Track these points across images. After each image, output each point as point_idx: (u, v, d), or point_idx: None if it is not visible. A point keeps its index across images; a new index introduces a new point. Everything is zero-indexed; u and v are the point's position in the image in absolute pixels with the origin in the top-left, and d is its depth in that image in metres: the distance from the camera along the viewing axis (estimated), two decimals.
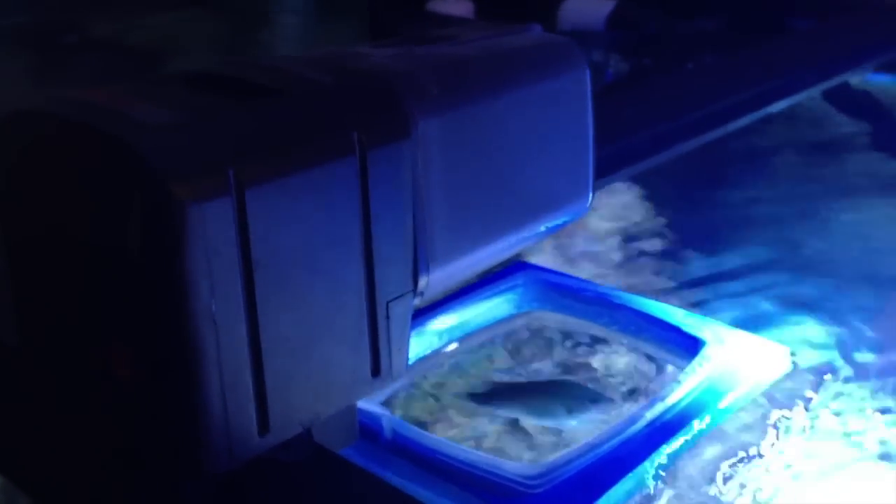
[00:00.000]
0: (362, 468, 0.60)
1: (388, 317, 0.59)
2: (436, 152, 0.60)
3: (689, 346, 0.89)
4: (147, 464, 0.53)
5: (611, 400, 0.87)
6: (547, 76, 0.67)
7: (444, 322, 0.93)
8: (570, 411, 0.86)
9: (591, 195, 0.73)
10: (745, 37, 1.90)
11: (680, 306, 1.02)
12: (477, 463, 0.75)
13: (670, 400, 0.79)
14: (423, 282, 0.61)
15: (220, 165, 0.50)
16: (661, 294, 1.07)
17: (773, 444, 0.82)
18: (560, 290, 0.99)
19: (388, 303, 0.59)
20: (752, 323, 1.01)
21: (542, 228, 0.70)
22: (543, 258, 1.11)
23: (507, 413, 0.86)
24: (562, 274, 1.04)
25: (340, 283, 0.57)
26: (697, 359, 0.85)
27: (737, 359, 0.86)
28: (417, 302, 0.62)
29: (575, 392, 0.88)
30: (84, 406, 0.56)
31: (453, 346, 0.92)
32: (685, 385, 0.82)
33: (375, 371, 0.60)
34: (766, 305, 1.06)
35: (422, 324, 0.91)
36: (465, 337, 0.94)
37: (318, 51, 0.64)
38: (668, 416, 0.78)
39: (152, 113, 0.51)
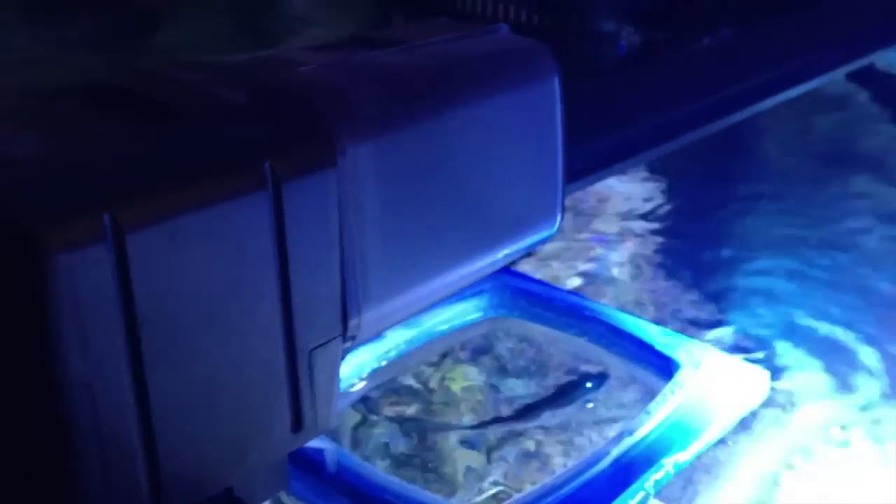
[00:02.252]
0: None
1: (310, 366, 0.52)
2: (369, 181, 0.52)
3: (663, 367, 0.81)
4: None
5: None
6: (509, 87, 0.59)
7: (400, 328, 0.87)
8: None
9: (559, 216, 0.66)
10: (766, 9, 1.80)
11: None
12: None
13: (639, 434, 0.71)
14: (353, 324, 0.54)
15: (93, 206, 0.43)
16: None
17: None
18: (529, 297, 0.90)
19: (311, 351, 0.52)
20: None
21: (501, 256, 0.63)
22: None
23: None
24: (533, 279, 0.96)
25: (253, 334, 0.49)
26: (669, 385, 0.77)
27: (713, 385, 0.77)
28: (349, 345, 0.56)
29: None
30: None
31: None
32: (655, 417, 0.73)
33: (297, 426, 0.53)
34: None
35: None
36: (423, 345, 0.88)
37: (244, 56, 0.57)
38: (636, 452, 0.70)
39: (19, 141, 0.44)
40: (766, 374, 0.81)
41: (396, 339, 0.84)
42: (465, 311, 0.88)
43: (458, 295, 0.89)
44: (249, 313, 0.49)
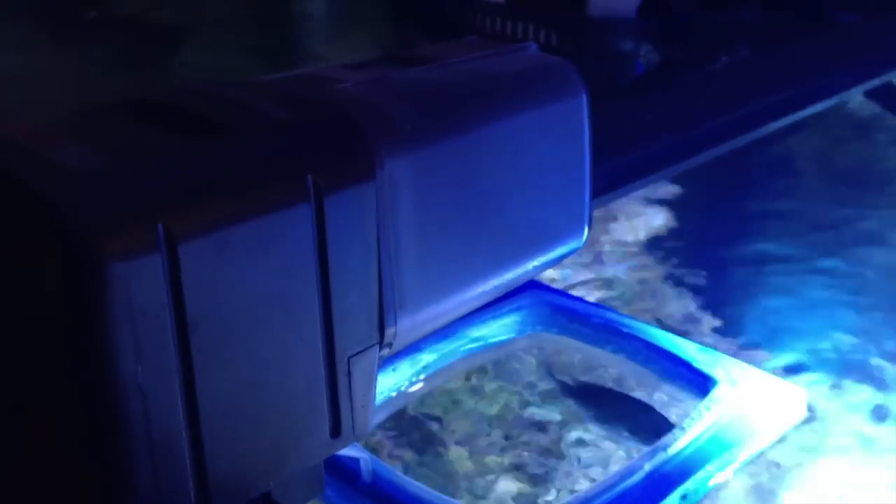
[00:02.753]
0: None
1: (349, 373, 0.54)
2: (406, 193, 0.55)
3: (699, 384, 0.83)
4: None
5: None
6: (538, 104, 0.61)
7: (440, 342, 0.89)
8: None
9: (586, 229, 0.68)
10: (783, 28, 1.82)
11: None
12: None
13: (672, 450, 0.73)
14: (390, 332, 0.56)
15: (148, 217, 0.45)
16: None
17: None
18: (567, 314, 0.92)
19: (349, 358, 0.54)
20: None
21: (532, 267, 0.65)
22: None
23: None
24: (570, 296, 0.98)
25: (294, 341, 0.51)
26: (705, 402, 0.78)
27: (749, 403, 0.79)
28: (385, 353, 0.57)
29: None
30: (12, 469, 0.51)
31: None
32: (690, 433, 0.75)
33: (335, 432, 0.55)
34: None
35: (417, 345, 0.87)
36: (462, 359, 0.90)
37: (283, 74, 0.59)
38: (669, 467, 0.72)
39: (76, 154, 0.46)
40: (804, 392, 0.83)
41: (436, 353, 0.86)
42: (504, 328, 0.91)
43: (497, 311, 0.91)
44: (292, 320, 0.51)
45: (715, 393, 0.80)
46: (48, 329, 0.45)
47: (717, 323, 1.01)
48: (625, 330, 0.90)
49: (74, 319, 0.44)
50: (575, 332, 0.92)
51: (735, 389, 0.80)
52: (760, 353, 0.96)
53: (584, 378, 0.90)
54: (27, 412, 0.47)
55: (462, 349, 0.88)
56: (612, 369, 0.90)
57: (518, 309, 0.93)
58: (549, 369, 0.92)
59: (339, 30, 2.28)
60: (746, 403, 0.79)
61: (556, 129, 0.62)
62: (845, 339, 0.96)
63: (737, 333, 0.98)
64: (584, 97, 0.63)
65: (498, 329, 0.91)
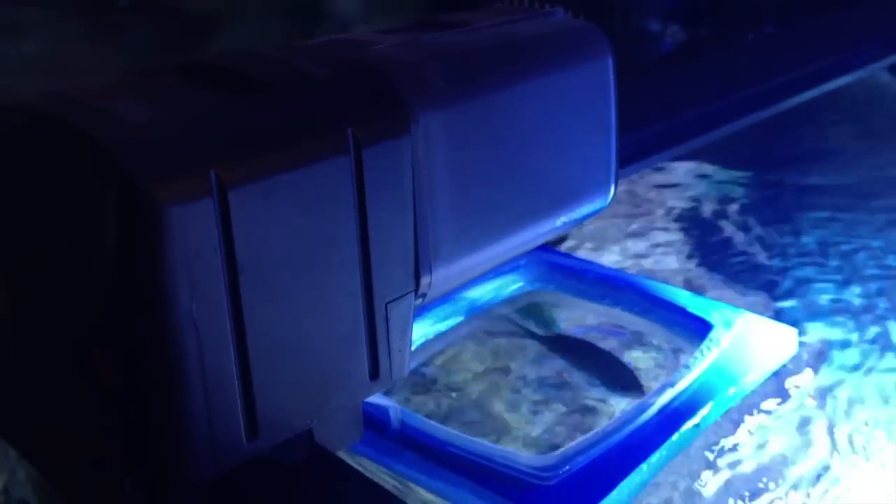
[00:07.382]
0: (358, 471, 0.58)
1: (387, 318, 0.56)
2: (439, 148, 0.56)
3: (697, 329, 0.85)
4: (134, 467, 0.52)
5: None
6: (565, 64, 0.63)
7: (444, 303, 0.89)
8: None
9: (613, 187, 0.70)
10: (808, 4, 1.82)
11: None
12: (488, 454, 0.71)
13: (680, 386, 0.75)
14: (425, 281, 0.58)
15: (201, 165, 0.46)
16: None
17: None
18: (563, 271, 0.94)
19: (386, 304, 0.56)
20: None
21: (559, 223, 0.67)
22: None
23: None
24: (564, 254, 0.99)
25: (335, 285, 0.52)
26: (706, 342, 0.81)
27: (745, 342, 0.81)
28: (420, 302, 0.60)
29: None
30: (74, 403, 0.55)
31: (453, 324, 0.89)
32: (694, 370, 0.77)
33: (374, 374, 0.57)
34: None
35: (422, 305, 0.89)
36: (466, 318, 0.91)
37: (320, 39, 0.62)
38: (678, 402, 0.74)
39: (134, 109, 0.47)
40: (794, 331, 0.85)
41: (442, 313, 0.88)
42: (504, 285, 0.92)
43: (497, 270, 0.91)
44: (333, 266, 0.51)
45: (712, 335, 0.83)
46: (109, 272, 0.48)
47: None
48: (620, 283, 0.92)
49: (133, 260, 0.45)
50: (572, 288, 0.93)
51: (731, 331, 0.83)
52: None
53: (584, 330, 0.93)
54: (90, 348, 0.51)
55: (467, 308, 0.89)
56: (611, 320, 0.93)
57: (517, 268, 0.94)
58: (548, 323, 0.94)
59: (371, 16, 2.30)
60: (742, 342, 0.82)
61: (584, 90, 0.64)
62: None
63: None
64: (611, 59, 0.64)
65: (499, 287, 0.93)
